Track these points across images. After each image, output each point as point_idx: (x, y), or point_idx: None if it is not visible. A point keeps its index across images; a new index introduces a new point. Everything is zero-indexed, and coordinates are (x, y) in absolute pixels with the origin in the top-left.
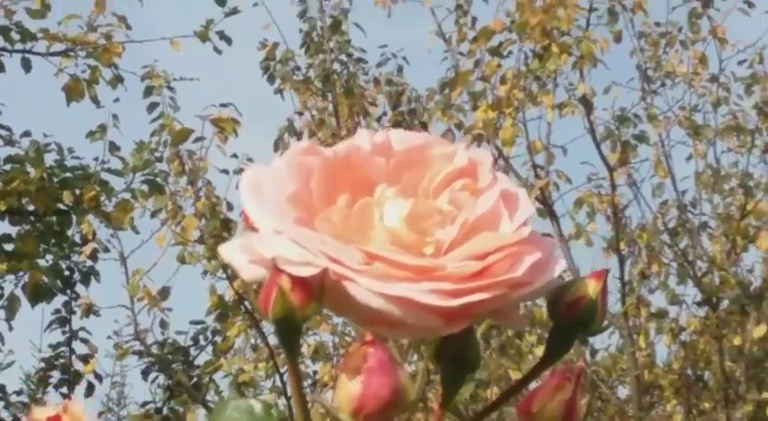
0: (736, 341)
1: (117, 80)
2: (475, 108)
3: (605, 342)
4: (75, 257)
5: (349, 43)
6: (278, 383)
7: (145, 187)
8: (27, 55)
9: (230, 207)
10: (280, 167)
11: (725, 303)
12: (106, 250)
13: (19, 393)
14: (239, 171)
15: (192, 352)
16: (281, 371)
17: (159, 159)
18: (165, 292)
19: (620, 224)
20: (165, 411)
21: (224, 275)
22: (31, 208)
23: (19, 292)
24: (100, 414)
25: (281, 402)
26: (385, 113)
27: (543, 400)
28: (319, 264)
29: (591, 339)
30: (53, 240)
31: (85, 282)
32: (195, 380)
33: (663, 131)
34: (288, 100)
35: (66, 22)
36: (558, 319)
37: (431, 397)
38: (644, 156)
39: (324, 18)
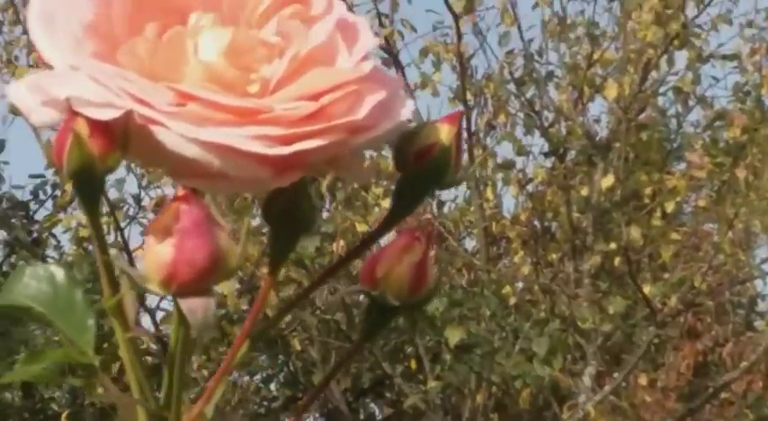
0: (584, 192)
1: None
2: None
3: (452, 194)
4: None
5: None
6: (119, 239)
7: None
8: None
9: None
10: None
11: (572, 154)
12: None
13: None
14: None
15: (32, 206)
16: (122, 224)
17: None
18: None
19: (466, 74)
20: (4, 268)
21: None
22: None
23: None
24: None
25: (123, 257)
26: None
27: (389, 263)
28: (123, 105)
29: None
30: None
31: None
32: (35, 235)
33: None
34: None
35: None
36: (406, 170)
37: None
38: (490, 4)
39: None
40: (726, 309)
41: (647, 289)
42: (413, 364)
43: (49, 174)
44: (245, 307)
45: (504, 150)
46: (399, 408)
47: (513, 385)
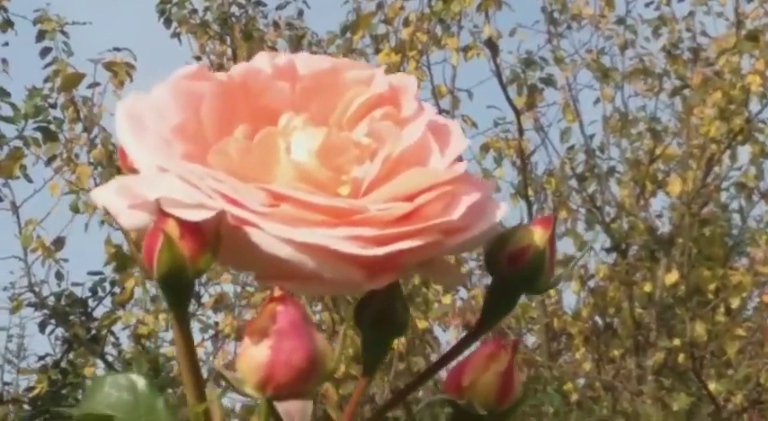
0: (647, 288)
1: (7, 24)
2: (377, 52)
3: None
4: None
5: None
6: None
7: (38, 134)
8: None
9: None
10: (162, 95)
11: (634, 249)
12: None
13: None
14: None
15: (91, 303)
16: None
17: (53, 106)
18: (59, 243)
19: (527, 169)
20: (63, 364)
21: None
22: None
23: None
24: None
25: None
26: None
27: (476, 372)
28: (214, 206)
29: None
30: None
31: None
32: (93, 332)
33: (570, 75)
34: (185, 44)
35: None
36: (498, 274)
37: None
38: (551, 100)
39: None
40: None
41: (711, 386)
42: None
43: (108, 271)
44: None
45: (566, 246)
46: None
47: None
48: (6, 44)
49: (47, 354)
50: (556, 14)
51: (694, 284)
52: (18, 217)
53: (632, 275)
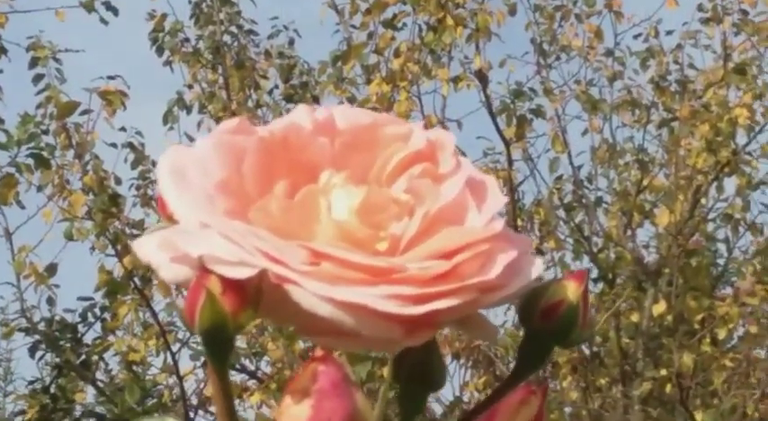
0: (634, 318)
1: (0, 51)
2: (368, 82)
3: (500, 318)
4: None
5: (239, 14)
6: (169, 361)
7: (30, 161)
8: None
9: (118, 181)
10: (205, 149)
11: (621, 279)
12: None
13: None
14: (128, 145)
15: (81, 329)
16: (173, 349)
17: (45, 132)
18: (52, 269)
19: (516, 199)
20: (52, 389)
21: (113, 252)
22: None
23: None
24: None
25: (173, 380)
26: (276, 86)
27: (507, 417)
28: (256, 263)
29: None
30: None
31: None
32: (84, 357)
33: (559, 106)
34: (177, 72)
35: None
36: (531, 327)
37: None
38: (540, 130)
39: None
40: None
41: (698, 416)
42: None
43: (98, 296)
44: None
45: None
46: None
47: None
48: (1, 71)
49: (36, 379)
50: (545, 46)
51: (680, 314)
52: (11, 243)
53: (619, 306)
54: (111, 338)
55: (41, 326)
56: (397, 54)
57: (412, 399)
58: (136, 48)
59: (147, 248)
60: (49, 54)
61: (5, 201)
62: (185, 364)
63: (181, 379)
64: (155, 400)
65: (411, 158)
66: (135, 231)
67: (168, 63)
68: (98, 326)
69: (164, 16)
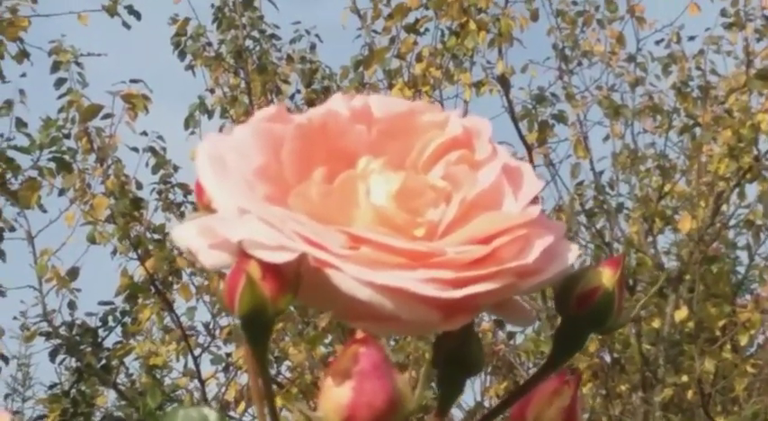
0: (655, 324)
1: (23, 55)
2: (390, 86)
3: None
4: None
5: (262, 19)
6: (190, 365)
7: (52, 165)
8: None
9: (140, 186)
10: (244, 136)
11: (642, 285)
12: (12, 229)
13: None
14: (149, 149)
15: (101, 333)
16: (194, 353)
17: (67, 136)
18: (73, 273)
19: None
20: (72, 394)
21: (134, 255)
22: None
23: None
24: (6, 396)
25: (194, 384)
26: (298, 91)
27: (540, 407)
28: (296, 248)
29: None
30: None
31: None
32: (104, 362)
33: (581, 111)
34: (199, 77)
35: None
36: (567, 314)
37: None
38: (562, 136)
39: None
40: None
41: None
42: None
43: (119, 301)
44: None
45: None
46: None
47: None
48: (24, 75)
49: (55, 384)
50: (567, 51)
51: (701, 321)
52: (33, 247)
53: (639, 312)
54: (132, 342)
55: (62, 331)
56: (419, 59)
57: (451, 382)
58: (158, 52)
59: (186, 235)
60: (71, 58)
61: (28, 205)
62: (207, 369)
63: (203, 383)
64: (176, 404)
65: (448, 145)
66: (156, 236)
67: (190, 67)
68: (119, 330)
69: (186, 20)
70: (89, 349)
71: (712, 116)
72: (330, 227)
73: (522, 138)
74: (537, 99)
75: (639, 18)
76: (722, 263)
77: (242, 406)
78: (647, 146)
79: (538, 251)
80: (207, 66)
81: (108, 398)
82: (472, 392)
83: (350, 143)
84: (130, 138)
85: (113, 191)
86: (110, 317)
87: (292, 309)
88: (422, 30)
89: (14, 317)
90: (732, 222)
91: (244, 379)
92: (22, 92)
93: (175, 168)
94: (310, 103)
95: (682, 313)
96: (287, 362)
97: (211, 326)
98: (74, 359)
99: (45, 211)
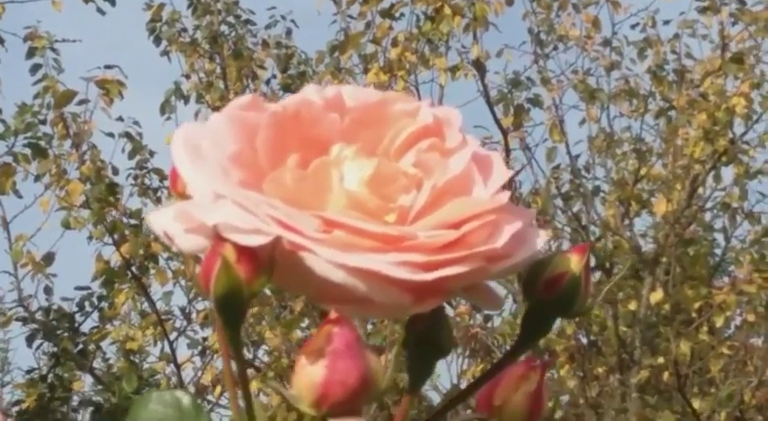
0: (632, 306)
1: None
2: (366, 71)
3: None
4: None
5: (237, 4)
6: (166, 350)
7: (28, 151)
8: None
9: (116, 171)
10: (218, 124)
11: (618, 268)
12: None
13: None
14: (125, 134)
15: (78, 318)
16: (170, 337)
17: (43, 122)
18: (49, 258)
19: (513, 189)
20: (50, 378)
21: (110, 240)
22: None
23: None
24: None
25: (170, 369)
26: (274, 76)
27: (506, 392)
28: (270, 231)
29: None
30: None
31: None
32: (81, 347)
33: (556, 95)
34: (175, 62)
35: None
36: (534, 299)
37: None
38: (537, 120)
39: None
40: None
41: (696, 404)
42: None
43: (95, 286)
44: None
45: None
46: None
47: None
48: None
49: (33, 369)
50: (543, 36)
51: (678, 304)
52: (8, 232)
53: (617, 294)
54: (108, 327)
55: (39, 316)
56: (394, 43)
57: (421, 364)
58: (133, 38)
59: (162, 219)
60: (46, 44)
61: (3, 191)
62: (183, 353)
63: (178, 367)
64: (152, 389)
65: (419, 133)
66: (132, 221)
67: (166, 53)
68: (95, 315)
69: (161, 6)
70: (66, 334)
71: (688, 99)
72: (304, 211)
73: (497, 122)
74: (512, 83)
75: (614, 2)
76: (699, 245)
77: (218, 390)
78: (623, 129)
79: (507, 236)
80: (182, 51)
81: (85, 383)
82: (449, 375)
83: (323, 131)
84: (106, 123)
85: (89, 176)
86: (86, 303)
87: (269, 292)
88: (397, 15)
89: None
90: (709, 205)
91: (220, 363)
92: None
93: (151, 153)
94: (286, 88)
95: (657, 295)
96: (264, 347)
97: (188, 311)
98: (51, 344)
99: (20, 197)
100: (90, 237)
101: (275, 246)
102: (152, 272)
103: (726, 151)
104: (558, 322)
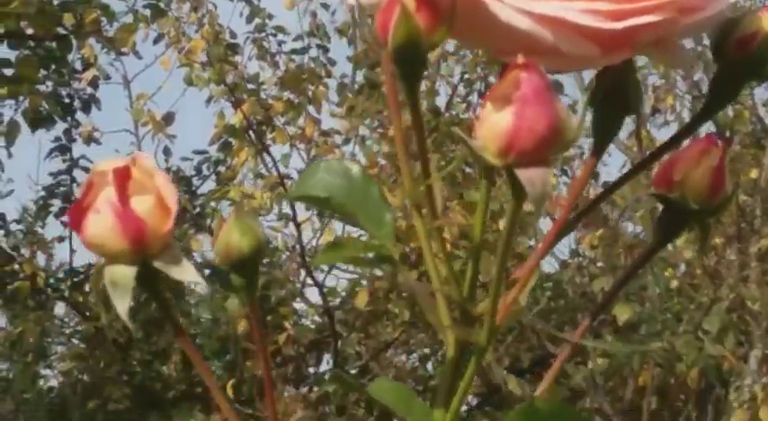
0: (753, 174)
1: None
2: None
3: (614, 174)
4: (75, 84)
5: None
6: (286, 210)
7: (147, 12)
8: None
9: (233, 35)
10: None
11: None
12: (107, 77)
13: (18, 221)
14: None
15: (195, 182)
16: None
17: None
18: (169, 117)
19: None
20: None
21: (230, 102)
22: (30, 31)
23: (19, 118)
24: None
25: (290, 230)
26: None
27: (688, 167)
28: None
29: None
30: (53, 66)
31: (86, 109)
32: (198, 209)
33: None
34: None
35: None
36: (726, 60)
37: None
38: None
39: None
40: None
41: None
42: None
43: (213, 150)
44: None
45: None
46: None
47: (677, 365)
48: None
49: None
50: None
51: None
52: (129, 91)
53: (737, 163)
54: (228, 187)
55: None
56: None
57: (609, 120)
58: None
59: None
60: None
61: (125, 46)
62: (302, 214)
63: (298, 226)
64: (270, 247)
65: None
66: (251, 86)
67: None
68: (212, 179)
69: None
70: (185, 196)
71: None
72: None
73: None
74: None
75: None
76: None
77: None
78: None
79: None
80: None
81: (203, 243)
82: (568, 242)
83: None
84: None
85: (208, 39)
86: (204, 166)
87: None
88: None
89: None
90: None
91: (338, 225)
92: None
93: (270, 17)
94: None
95: None
96: None
97: None
98: None
99: (140, 58)
100: (209, 99)
101: None
102: (269, 136)
103: None
104: None
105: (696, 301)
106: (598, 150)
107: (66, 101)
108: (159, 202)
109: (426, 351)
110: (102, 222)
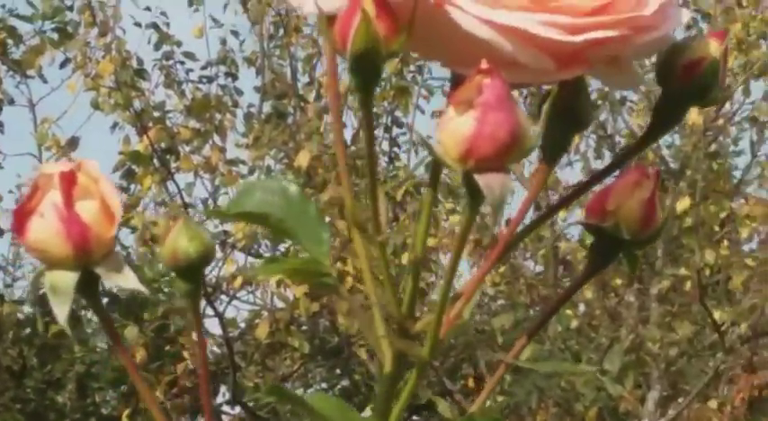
0: None
1: None
2: None
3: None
4: None
5: None
6: None
7: (55, 35)
8: None
9: (141, 62)
10: None
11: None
12: (12, 102)
13: None
14: (152, 25)
15: None
16: None
17: (70, 8)
18: (74, 142)
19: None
20: None
21: (135, 130)
22: None
23: None
24: None
25: None
26: None
27: (620, 197)
28: None
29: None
30: None
31: None
32: None
33: None
34: None
35: None
36: (671, 85)
37: None
38: None
39: None
40: None
41: (716, 314)
42: (470, 382)
43: (116, 177)
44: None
45: (575, 173)
46: None
47: (575, 405)
48: None
49: None
50: None
51: (701, 216)
52: (34, 114)
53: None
54: (130, 214)
55: None
56: None
57: (559, 135)
58: None
59: None
60: None
61: (31, 67)
62: None
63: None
64: (170, 276)
65: None
66: (157, 113)
67: None
68: None
69: None
70: None
71: (722, 9)
72: None
73: None
74: None
75: None
76: (724, 159)
77: (238, 281)
78: None
79: (655, 5)
80: None
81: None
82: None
83: None
84: (134, 13)
85: (115, 65)
86: None
87: None
88: None
89: (10, 191)
90: (736, 119)
91: (240, 257)
92: None
93: (178, 45)
94: None
95: (685, 202)
96: None
97: (209, 203)
98: None
99: (45, 82)
100: (115, 125)
101: (417, 3)
102: (174, 165)
103: (757, 63)
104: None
105: (595, 342)
106: (550, 161)
107: None
108: (104, 208)
109: (324, 386)
110: (46, 226)
